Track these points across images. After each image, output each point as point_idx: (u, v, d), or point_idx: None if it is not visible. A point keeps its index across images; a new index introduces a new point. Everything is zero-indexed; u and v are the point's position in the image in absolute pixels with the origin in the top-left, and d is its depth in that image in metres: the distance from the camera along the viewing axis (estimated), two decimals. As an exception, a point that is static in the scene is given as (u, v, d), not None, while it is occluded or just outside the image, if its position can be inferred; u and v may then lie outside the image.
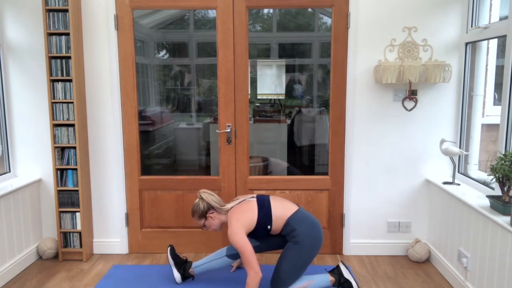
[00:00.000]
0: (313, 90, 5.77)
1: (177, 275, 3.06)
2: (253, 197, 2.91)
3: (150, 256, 3.60)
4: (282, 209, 2.81)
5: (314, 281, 2.81)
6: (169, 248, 3.13)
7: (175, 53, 6.10)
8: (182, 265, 3.09)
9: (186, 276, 3.08)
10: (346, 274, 2.86)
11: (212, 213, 2.90)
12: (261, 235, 2.83)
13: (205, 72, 5.90)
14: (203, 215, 2.90)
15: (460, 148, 3.38)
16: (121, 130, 3.50)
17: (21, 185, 3.30)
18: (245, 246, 2.63)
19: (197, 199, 2.93)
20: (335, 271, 2.89)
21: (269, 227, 2.78)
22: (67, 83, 3.27)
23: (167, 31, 5.77)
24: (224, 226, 2.98)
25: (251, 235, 2.82)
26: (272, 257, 3.48)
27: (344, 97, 3.43)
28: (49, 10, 3.19)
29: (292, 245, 2.75)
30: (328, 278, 2.85)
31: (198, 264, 3.08)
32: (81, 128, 3.36)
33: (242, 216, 2.77)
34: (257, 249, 3.01)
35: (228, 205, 2.90)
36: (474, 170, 3.33)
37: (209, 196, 2.90)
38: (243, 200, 2.90)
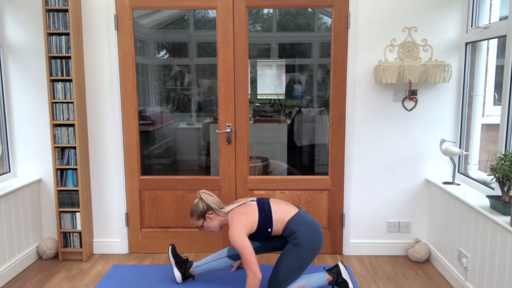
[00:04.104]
0: (313, 90, 5.77)
1: (177, 275, 3.06)
2: (253, 200, 2.91)
3: (150, 256, 3.60)
4: (282, 212, 2.81)
5: (311, 281, 2.81)
6: (170, 247, 3.13)
7: (175, 53, 6.10)
8: (183, 264, 3.09)
9: (186, 275, 3.08)
10: (344, 274, 2.86)
11: (211, 214, 2.89)
12: (262, 237, 2.83)
13: (205, 72, 5.90)
14: (202, 215, 2.90)
15: (460, 148, 3.38)
16: (121, 130, 3.50)
17: (21, 185, 3.30)
18: (246, 246, 2.63)
19: (197, 199, 2.93)
20: (333, 270, 2.89)
21: (269, 230, 2.78)
22: (67, 83, 3.27)
23: (167, 31, 5.78)
24: (222, 227, 2.98)
25: (252, 238, 2.81)
26: (272, 257, 3.48)
27: (344, 97, 3.43)
28: (49, 10, 3.19)
29: (292, 247, 2.75)
30: (325, 277, 2.85)
31: (199, 264, 3.08)
32: (81, 128, 3.36)
33: (244, 217, 2.76)
34: (258, 251, 3.01)
35: (228, 208, 2.90)
36: (474, 170, 3.33)
37: (208, 197, 2.90)
38: (243, 203, 2.90)
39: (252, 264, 2.60)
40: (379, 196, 3.51)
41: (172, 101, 5.90)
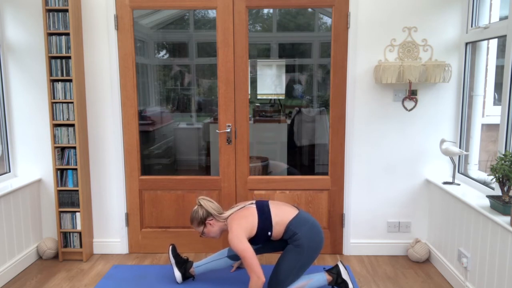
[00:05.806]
0: (313, 90, 5.77)
1: (177, 275, 3.06)
2: (252, 203, 2.91)
3: (150, 256, 3.60)
4: (282, 215, 2.80)
5: (311, 281, 2.81)
6: (170, 247, 3.13)
7: (175, 53, 6.10)
8: (183, 264, 3.09)
9: (186, 275, 3.08)
10: (344, 274, 2.86)
11: (211, 220, 2.88)
12: (262, 241, 2.83)
13: (205, 72, 5.90)
14: (202, 222, 2.89)
15: (460, 148, 3.38)
16: (121, 130, 3.50)
17: (21, 185, 3.30)
18: (246, 250, 2.62)
19: (196, 206, 2.92)
20: (333, 270, 2.89)
21: (269, 233, 2.78)
22: (67, 83, 3.27)
23: (167, 31, 5.78)
24: (222, 233, 2.97)
25: (252, 242, 2.80)
26: (273, 257, 3.48)
27: (344, 97, 3.43)
28: (49, 10, 3.19)
29: (292, 248, 2.75)
30: (325, 277, 2.85)
31: (199, 264, 3.08)
32: (81, 128, 3.36)
33: (244, 220, 2.76)
34: (258, 251, 3.01)
35: (227, 213, 2.89)
36: (474, 170, 3.33)
37: (208, 203, 2.89)
38: (242, 207, 2.90)
39: (254, 267, 2.59)
40: (379, 196, 3.51)
41: (172, 101, 5.90)
